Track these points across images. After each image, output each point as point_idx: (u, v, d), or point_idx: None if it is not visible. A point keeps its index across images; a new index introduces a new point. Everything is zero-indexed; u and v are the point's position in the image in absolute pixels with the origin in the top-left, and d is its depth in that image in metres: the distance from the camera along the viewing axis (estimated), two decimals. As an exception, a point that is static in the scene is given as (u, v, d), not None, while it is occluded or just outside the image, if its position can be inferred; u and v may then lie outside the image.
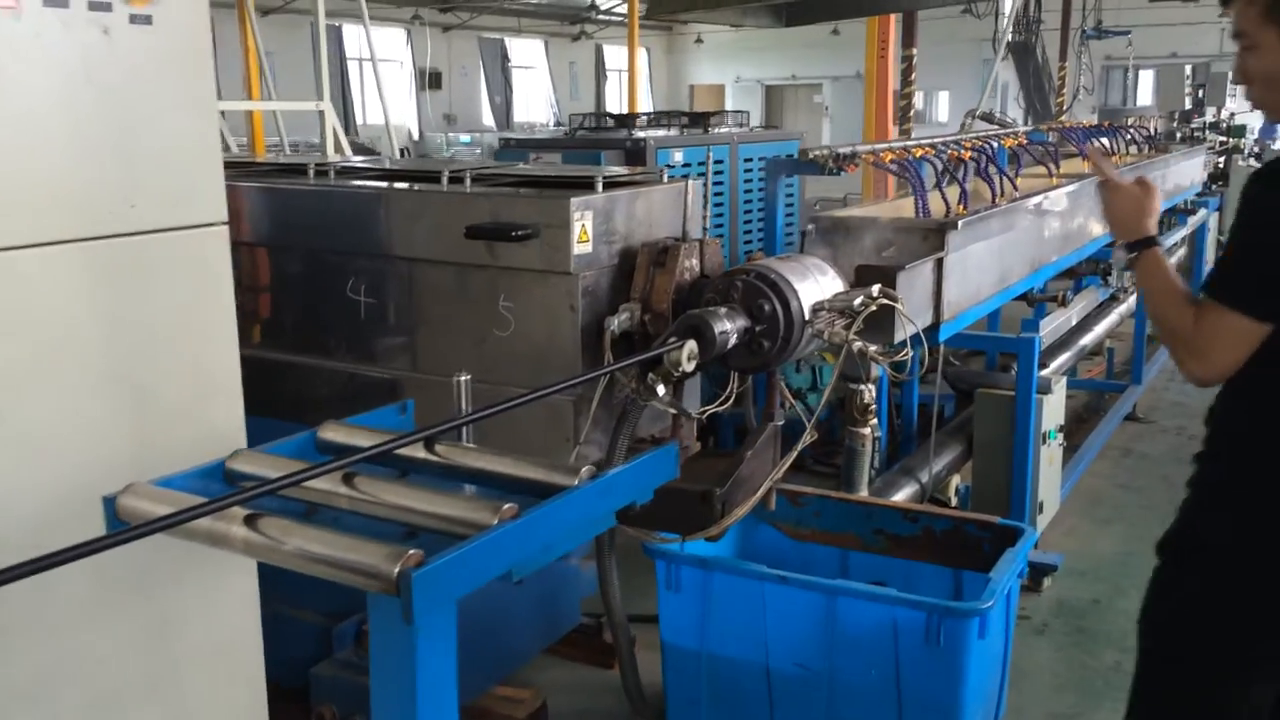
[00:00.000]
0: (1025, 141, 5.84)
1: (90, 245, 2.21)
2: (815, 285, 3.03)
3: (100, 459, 2.24)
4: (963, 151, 4.77)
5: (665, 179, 3.31)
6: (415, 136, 28.95)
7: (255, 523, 1.61)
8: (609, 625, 3.28)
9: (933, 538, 3.46)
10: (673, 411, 3.14)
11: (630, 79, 9.97)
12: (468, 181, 3.22)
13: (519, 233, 2.94)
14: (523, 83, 32.14)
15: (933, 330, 3.76)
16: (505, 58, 31.70)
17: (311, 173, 3.46)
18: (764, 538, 3.74)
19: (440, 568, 1.46)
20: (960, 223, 3.70)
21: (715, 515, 2.95)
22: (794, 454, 3.15)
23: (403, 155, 21.27)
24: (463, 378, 2.14)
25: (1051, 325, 5.26)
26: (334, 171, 3.43)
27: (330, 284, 3.34)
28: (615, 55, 33.78)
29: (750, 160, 6.41)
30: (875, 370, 3.74)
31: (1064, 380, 4.71)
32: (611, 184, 3.14)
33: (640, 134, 6.10)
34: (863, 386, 3.68)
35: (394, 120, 29.84)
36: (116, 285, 2.28)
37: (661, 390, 2.82)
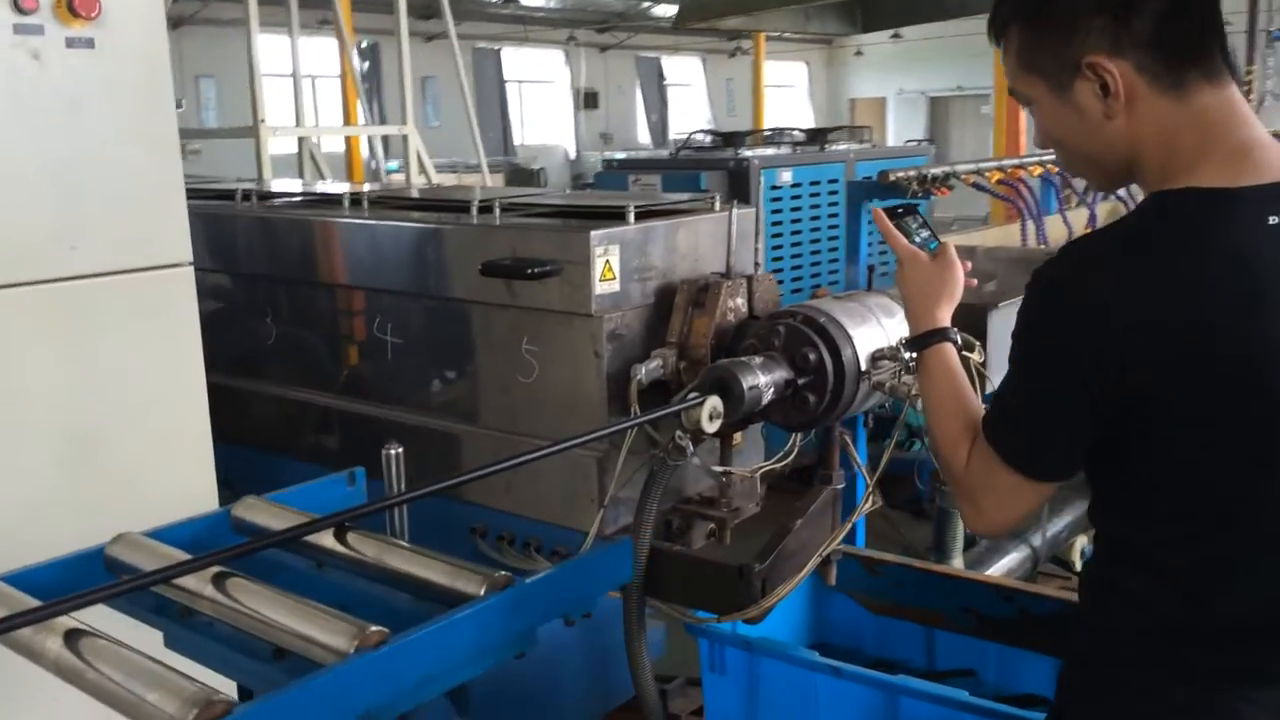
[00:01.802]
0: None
1: (15, 292, 2.00)
2: (877, 329, 2.61)
3: (46, 522, 2.03)
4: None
5: (717, 206, 2.94)
6: (572, 156, 29.21)
7: (76, 639, 1.33)
8: (643, 715, 2.91)
9: (1031, 621, 2.97)
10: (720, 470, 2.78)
11: (755, 92, 9.57)
12: (496, 212, 2.93)
13: (536, 270, 2.62)
14: (679, 100, 32.02)
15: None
16: (661, 76, 31.66)
17: (346, 203, 3.23)
18: (839, 608, 3.31)
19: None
20: (1071, 252, 3.20)
21: (755, 594, 2.57)
22: (849, 525, 2.73)
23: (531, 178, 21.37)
24: (394, 451, 1.83)
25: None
26: (367, 202, 3.20)
27: (353, 322, 3.10)
28: (773, 71, 33.32)
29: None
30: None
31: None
32: (650, 213, 2.79)
33: (746, 153, 5.72)
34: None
35: (551, 140, 30.34)
36: (54, 334, 2.06)
37: (691, 449, 2.46)
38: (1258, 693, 1.53)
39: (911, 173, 3.30)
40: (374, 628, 1.30)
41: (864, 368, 2.52)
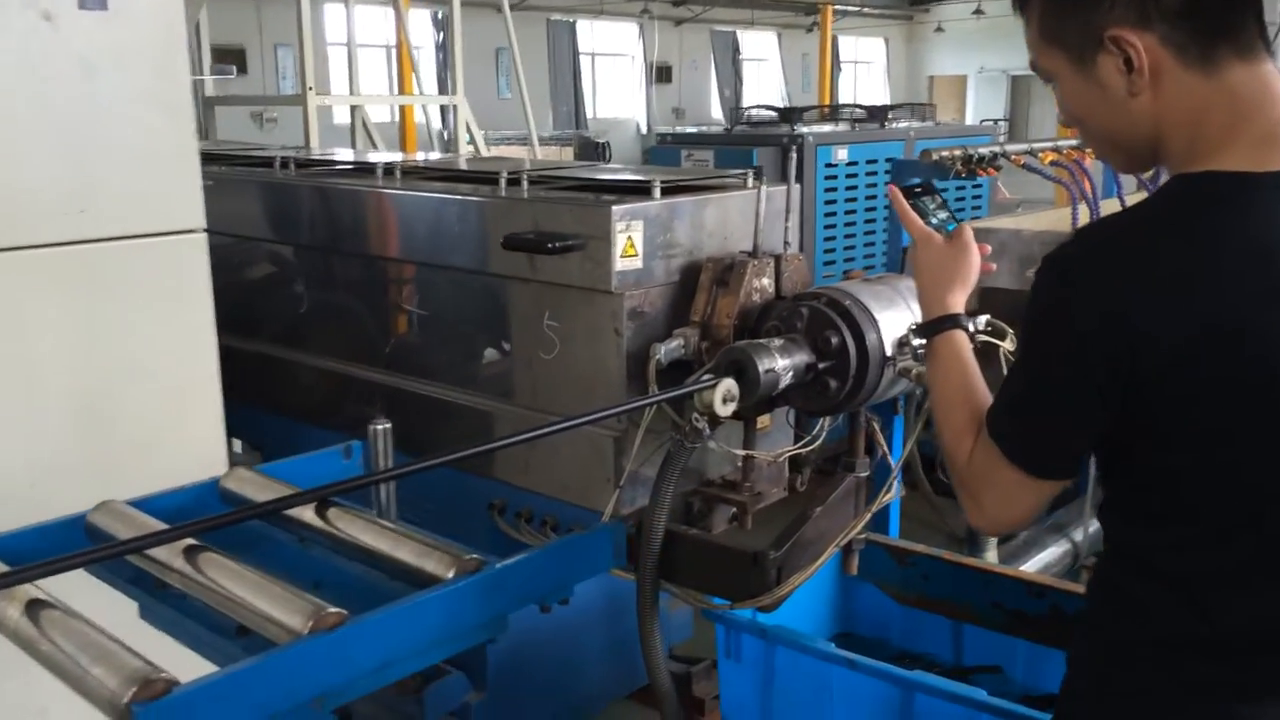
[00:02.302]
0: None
1: (25, 254, 2.01)
2: (906, 314, 2.51)
3: (57, 486, 2.04)
4: (1158, 151, 4.05)
5: (750, 183, 2.86)
6: (644, 130, 29.07)
7: (37, 609, 1.32)
8: (655, 700, 2.87)
9: (1062, 619, 2.87)
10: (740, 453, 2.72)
11: (821, 67, 9.39)
12: (524, 185, 2.88)
13: (557, 244, 2.58)
14: (754, 75, 31.68)
15: (1084, 365, 3.15)
16: (736, 50, 31.33)
17: (380, 173, 3.21)
18: (867, 598, 3.24)
19: (180, 702, 1.12)
20: (1121, 238, 3.06)
21: (769, 581, 2.50)
22: (869, 514, 2.65)
23: (596, 151, 21.21)
24: (380, 426, 1.80)
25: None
26: (399, 172, 3.17)
27: (379, 293, 3.09)
28: (850, 47, 32.81)
29: (928, 159, 5.80)
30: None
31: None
32: (677, 189, 2.73)
33: (802, 129, 5.61)
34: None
35: (623, 114, 30.21)
36: (63, 298, 2.07)
37: (708, 431, 2.40)
38: (1270, 710, 1.44)
39: (956, 152, 3.18)
40: (332, 609, 1.27)
41: (889, 353, 2.44)
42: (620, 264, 2.55)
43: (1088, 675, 1.57)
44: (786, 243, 2.74)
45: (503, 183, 2.91)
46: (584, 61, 28.90)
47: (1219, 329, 1.33)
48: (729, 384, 2.27)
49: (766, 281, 2.67)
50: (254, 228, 3.42)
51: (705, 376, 2.33)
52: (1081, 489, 4.27)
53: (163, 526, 1.50)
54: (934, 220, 1.86)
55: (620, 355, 2.61)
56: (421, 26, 22.86)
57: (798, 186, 2.99)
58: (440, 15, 24.63)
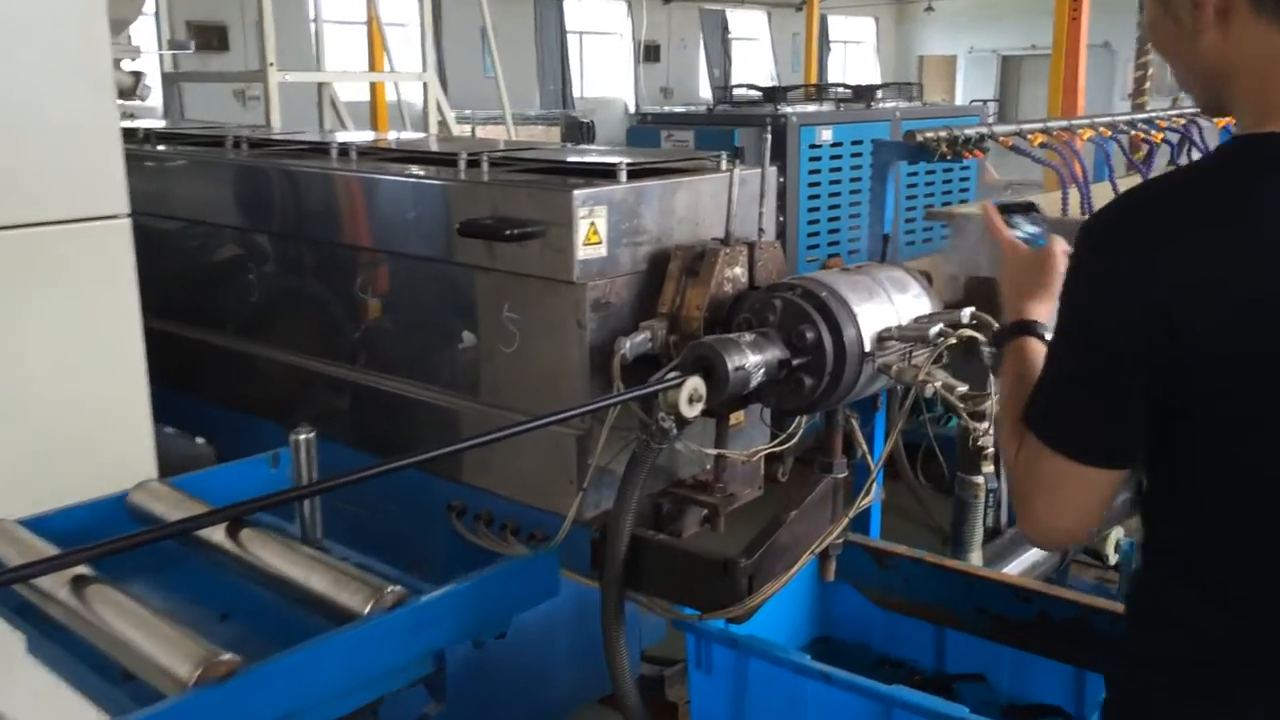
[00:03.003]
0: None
1: (-79, 243, 1.84)
2: (886, 306, 2.37)
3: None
4: (1153, 133, 3.90)
5: (723, 165, 2.70)
6: (631, 109, 28.79)
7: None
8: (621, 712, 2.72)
9: (1049, 626, 2.73)
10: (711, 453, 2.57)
11: (808, 46, 9.21)
12: (484, 167, 2.71)
13: (515, 231, 2.41)
14: (743, 55, 31.39)
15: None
16: (726, 29, 31.02)
17: (334, 154, 3.04)
18: (846, 601, 3.09)
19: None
20: (1114, 225, 2.91)
21: (741, 591, 2.36)
22: (847, 519, 2.51)
23: (581, 131, 20.91)
24: (303, 436, 1.64)
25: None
26: (355, 153, 3.00)
27: (333, 280, 2.92)
28: (840, 26, 32.54)
29: (915, 140, 5.63)
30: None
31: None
32: (645, 172, 2.56)
33: (785, 109, 5.44)
34: (981, 424, 2.96)
35: (611, 94, 29.97)
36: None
37: (674, 431, 2.25)
38: None
39: (941, 133, 3.03)
40: (224, 656, 1.12)
41: (868, 348, 2.29)
42: (583, 252, 2.39)
43: (1127, 697, 1.47)
44: (761, 229, 2.59)
45: (462, 165, 2.74)
46: (571, 40, 28.60)
47: (1262, 308, 1.20)
48: (695, 383, 2.12)
49: (739, 271, 2.51)
50: (204, 211, 3.26)
51: (671, 375, 2.17)
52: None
53: (53, 551, 1.34)
54: (1021, 234, 1.84)
55: (583, 349, 2.45)
56: (409, 3, 22.67)
57: (775, 169, 2.83)
58: (426, -7, 24.44)
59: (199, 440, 3.66)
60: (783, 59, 31.15)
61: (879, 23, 33.53)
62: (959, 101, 29.19)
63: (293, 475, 1.66)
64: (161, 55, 5.90)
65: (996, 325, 2.35)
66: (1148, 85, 10.92)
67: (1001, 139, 3.16)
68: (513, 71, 28.81)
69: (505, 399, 2.63)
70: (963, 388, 2.32)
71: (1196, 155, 4.06)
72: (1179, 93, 5.46)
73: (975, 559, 3.06)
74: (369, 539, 2.97)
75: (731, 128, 5.24)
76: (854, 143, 5.44)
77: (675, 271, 2.51)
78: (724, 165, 2.71)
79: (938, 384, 2.27)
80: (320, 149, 3.12)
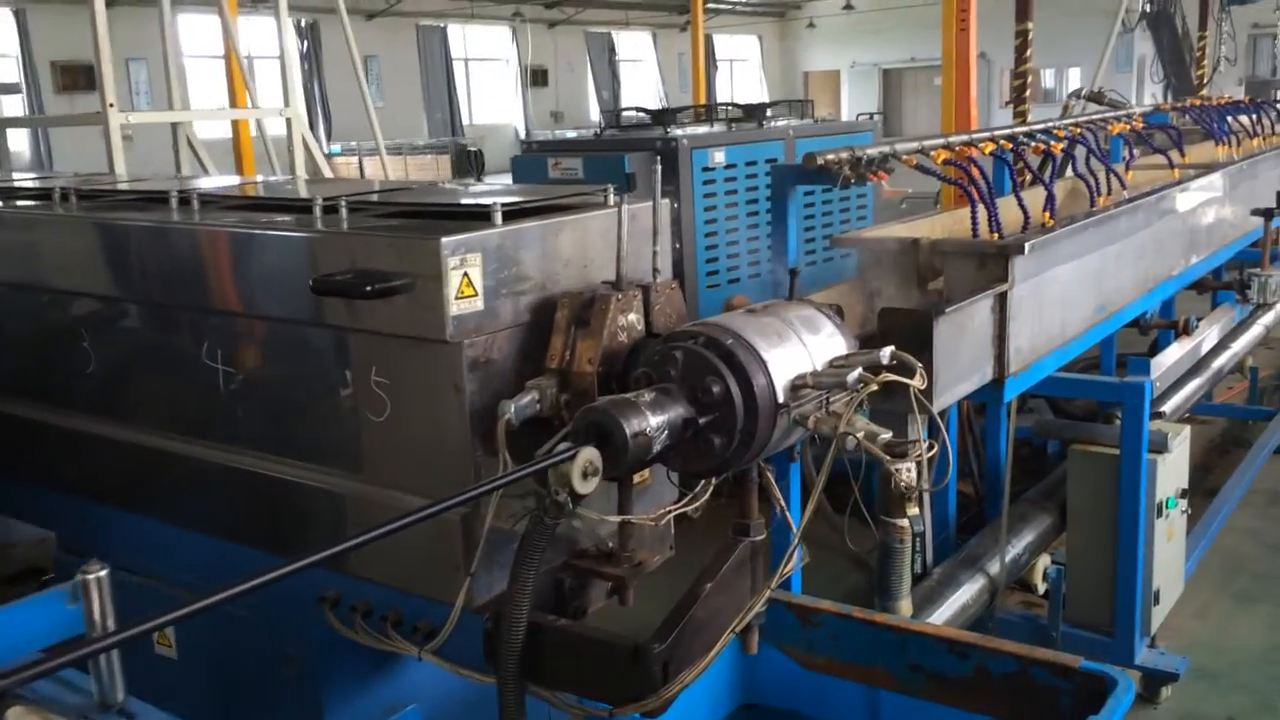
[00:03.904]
0: (1141, 125, 4.75)
1: None
2: (798, 350, 2.13)
3: None
4: (1052, 143, 3.77)
5: (610, 200, 2.45)
6: (522, 135, 28.49)
7: None
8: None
9: (989, 682, 2.52)
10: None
11: (694, 65, 9.06)
12: (343, 213, 2.42)
13: (376, 287, 2.12)
14: (631, 76, 31.41)
15: (996, 387, 2.82)
16: (613, 51, 31.03)
17: (175, 203, 2.71)
18: (771, 663, 2.85)
19: None
20: (1030, 245, 2.74)
21: (654, 680, 2.10)
22: (770, 588, 2.27)
23: (469, 159, 20.49)
24: (95, 575, 1.33)
25: (1173, 359, 4.18)
26: (197, 202, 2.67)
27: (177, 347, 2.59)
28: (725, 45, 32.81)
29: (810, 159, 5.46)
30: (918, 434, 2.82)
31: (1185, 432, 3.67)
32: (523, 212, 2.30)
33: (676, 132, 5.22)
34: (901, 465, 2.75)
35: (500, 119, 29.66)
36: None
37: (570, 506, 1.98)
38: None
39: (844, 155, 2.82)
40: None
41: (781, 399, 2.05)
42: (455, 306, 2.11)
43: None
44: (657, 269, 2.33)
45: (317, 212, 2.44)
46: (458, 67, 28.25)
47: None
48: (589, 455, 1.85)
49: (634, 317, 2.25)
50: (29, 274, 2.89)
51: (561, 445, 1.91)
52: (991, 513, 3.97)
53: None
54: None
55: (463, 415, 2.17)
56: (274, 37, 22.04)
57: (667, 200, 2.59)
58: (304, 24, 23.80)
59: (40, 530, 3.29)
60: (670, 79, 31.25)
61: (763, 40, 33.91)
62: (845, 115, 29.61)
63: (86, 621, 1.35)
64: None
65: (919, 365, 2.14)
66: (1028, 94, 11.07)
67: (905, 158, 2.97)
68: (399, 101, 28.28)
69: (379, 474, 2.34)
70: (886, 434, 2.10)
71: (1096, 164, 3.94)
72: (1072, 99, 5.42)
73: (904, 608, 2.85)
74: (227, 633, 2.65)
75: (621, 153, 5.00)
76: (748, 164, 5.26)
77: (563, 322, 2.24)
78: (611, 199, 2.46)
79: (859, 434, 2.04)
80: (159, 199, 2.78)
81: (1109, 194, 3.87)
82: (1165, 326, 4.44)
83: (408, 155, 23.32)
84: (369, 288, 2.12)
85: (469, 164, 23.44)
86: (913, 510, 2.76)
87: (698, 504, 2.37)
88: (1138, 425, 3.41)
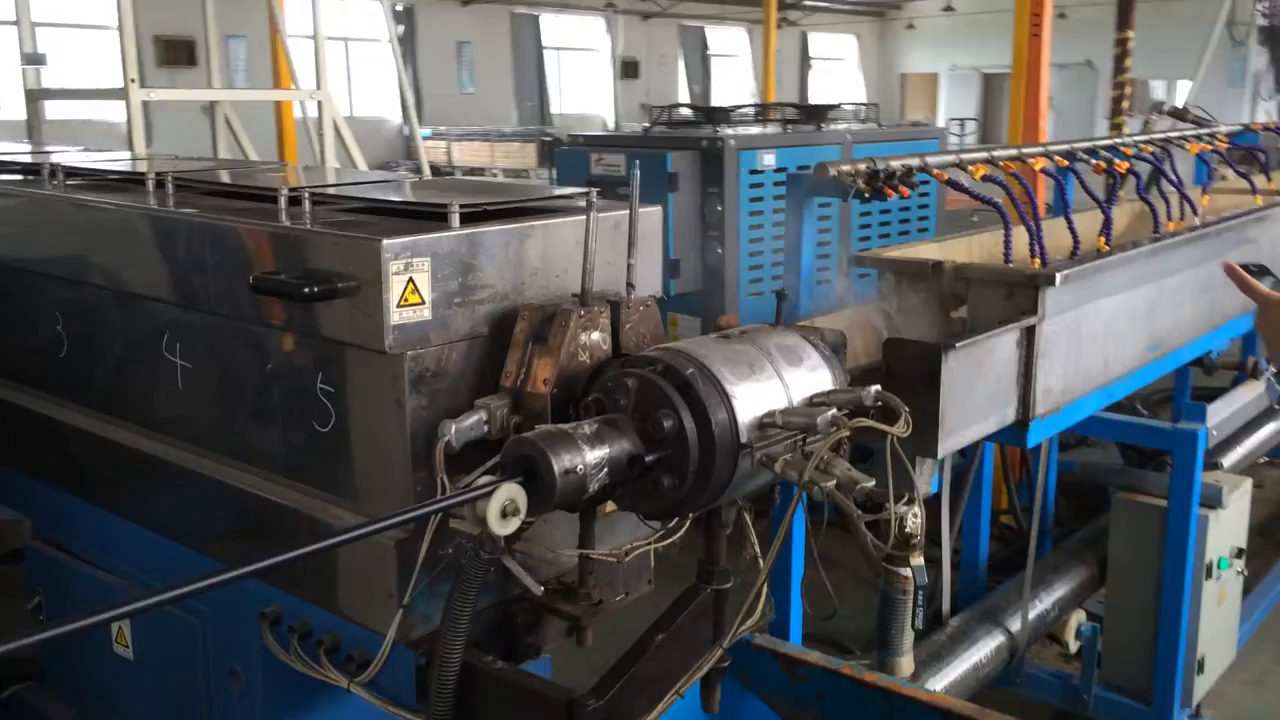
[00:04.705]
0: (1226, 145, 4.39)
1: None
2: (773, 384, 1.92)
3: None
4: (1117, 161, 3.46)
5: (591, 203, 2.24)
6: (610, 126, 28.34)
7: None
8: None
9: (986, 759, 2.27)
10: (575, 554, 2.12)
11: (766, 62, 8.79)
12: (306, 206, 2.25)
13: (314, 289, 1.96)
14: (723, 71, 31.08)
15: (1019, 430, 2.56)
16: (705, 46, 30.73)
17: (151, 186, 2.58)
18: (754, 713, 2.63)
19: None
20: (1063, 275, 2.47)
21: (591, 738, 1.90)
22: (729, 641, 2.05)
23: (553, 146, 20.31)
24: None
25: (1239, 403, 3.81)
26: (171, 186, 2.54)
27: (139, 338, 2.47)
28: (821, 43, 32.31)
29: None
30: (926, 475, 2.58)
31: (1245, 485, 3.34)
32: (489, 214, 2.11)
33: (725, 131, 5.00)
34: (905, 508, 2.50)
35: (590, 110, 29.67)
36: None
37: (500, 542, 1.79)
38: None
39: (860, 166, 2.59)
40: None
41: (745, 438, 1.83)
42: (398, 314, 1.93)
43: None
44: (631, 284, 2.13)
45: (282, 203, 2.28)
46: (550, 56, 28.21)
47: None
48: (509, 493, 1.66)
49: (598, 336, 2.05)
50: (9, 250, 2.80)
51: (484, 479, 1.72)
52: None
53: None
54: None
55: (404, 432, 1.99)
56: (376, 19, 22.19)
57: (657, 209, 2.39)
58: (400, 7, 23.96)
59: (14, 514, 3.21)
60: (761, 75, 30.83)
61: (860, 40, 33.28)
62: (941, 120, 28.92)
63: None
64: (27, 71, 5.44)
65: (905, 410, 1.91)
66: (1125, 105, 10.54)
67: (936, 172, 2.71)
68: (490, 88, 28.38)
69: (325, 488, 2.18)
70: (867, 483, 1.86)
71: (1168, 187, 3.63)
72: (1154, 114, 5.05)
73: (904, 665, 2.60)
74: (178, 639, 2.52)
75: (664, 151, 4.80)
76: (800, 168, 5.00)
77: (521, 337, 2.05)
78: (591, 203, 2.25)
79: (829, 485, 1.81)
80: (135, 180, 2.66)
81: (1181, 219, 3.56)
82: (1232, 367, 4.09)
83: (495, 142, 23.33)
84: (306, 289, 1.96)
85: (550, 154, 23.40)
86: (917, 560, 2.51)
87: (672, 539, 2.18)
88: (1188, 477, 3.10)
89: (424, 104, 25.61)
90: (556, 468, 1.68)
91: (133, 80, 4.60)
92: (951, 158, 2.85)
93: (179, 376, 2.40)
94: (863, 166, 2.61)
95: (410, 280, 1.94)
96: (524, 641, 2.23)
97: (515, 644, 2.22)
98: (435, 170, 20.36)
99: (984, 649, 2.92)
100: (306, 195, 2.26)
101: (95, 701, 2.87)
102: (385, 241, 1.89)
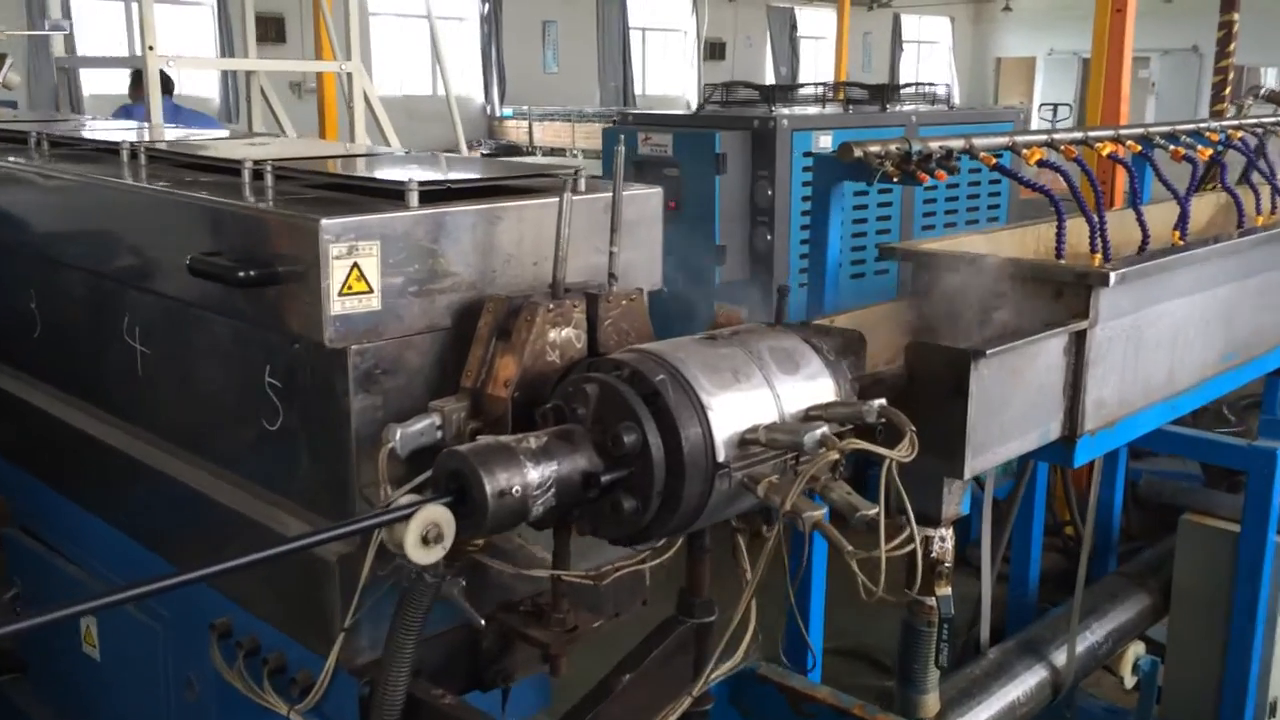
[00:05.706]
0: (1328, 133, 3.97)
1: None
2: (761, 394, 1.67)
3: None
4: (1200, 148, 3.11)
5: (581, 185, 2.01)
6: (693, 108, 28.04)
7: None
8: None
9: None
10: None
11: (840, 38, 8.43)
12: (269, 180, 2.06)
13: (248, 274, 1.76)
14: (811, 54, 30.51)
15: (1065, 446, 2.27)
16: (794, 27, 30.18)
17: (125, 157, 2.42)
18: (757, 749, 2.39)
19: None
20: (1119, 274, 2.17)
21: (543, 789, 1.68)
22: (709, 682, 1.81)
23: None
24: None
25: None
26: (144, 155, 2.37)
27: (100, 319, 2.31)
28: (914, 26, 31.54)
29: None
30: (957, 496, 2.30)
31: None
32: (453, 193, 1.89)
33: (780, 111, 4.72)
34: (935, 531, 2.23)
35: (673, 91, 29.37)
36: None
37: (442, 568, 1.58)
38: None
39: (892, 147, 2.31)
40: None
41: (722, 457, 1.59)
42: (339, 304, 1.72)
43: None
44: (613, 275, 1.89)
45: (245, 177, 2.09)
46: (635, 36, 27.92)
47: None
48: (431, 516, 1.44)
49: (571, 333, 1.82)
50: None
51: (407, 498, 1.50)
52: (1096, 571, 3.36)
53: None
54: None
55: (349, 435, 1.79)
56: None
57: (658, 190, 2.14)
58: (486, -16, 23.87)
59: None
60: (854, 58, 30.13)
61: (955, 23, 32.42)
62: (1036, 105, 27.99)
63: None
64: (53, 39, 5.37)
65: (911, 429, 1.64)
66: (1228, 91, 9.93)
67: (983, 156, 2.42)
68: (574, 68, 28.29)
69: (273, 489, 1.99)
70: (870, 510, 1.60)
71: (1259, 178, 3.27)
72: (1248, 98, 4.64)
73: (929, 703, 2.34)
74: (140, 644, 2.37)
75: (713, 130, 4.53)
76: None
77: (484, 332, 1.83)
78: (583, 184, 2.02)
79: (815, 515, 1.56)
80: (111, 150, 2.50)
81: (1272, 212, 3.20)
82: (1324, 378, 3.70)
83: (575, 123, 23.15)
84: (241, 274, 1.76)
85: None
86: (943, 590, 2.24)
87: (660, 559, 1.95)
88: (1265, 499, 2.77)
89: (507, 84, 25.59)
90: (489, 488, 1.45)
91: (150, 48, 4.49)
92: (1003, 140, 2.55)
93: (139, 363, 2.23)
94: (894, 147, 2.33)
95: (355, 265, 1.73)
96: (491, 669, 2.02)
97: (482, 671, 2.01)
98: (515, 150, 20.25)
99: (1023, 685, 2.63)
100: (269, 169, 2.06)
101: (71, 700, 2.74)
102: (324, 221, 1.69)
